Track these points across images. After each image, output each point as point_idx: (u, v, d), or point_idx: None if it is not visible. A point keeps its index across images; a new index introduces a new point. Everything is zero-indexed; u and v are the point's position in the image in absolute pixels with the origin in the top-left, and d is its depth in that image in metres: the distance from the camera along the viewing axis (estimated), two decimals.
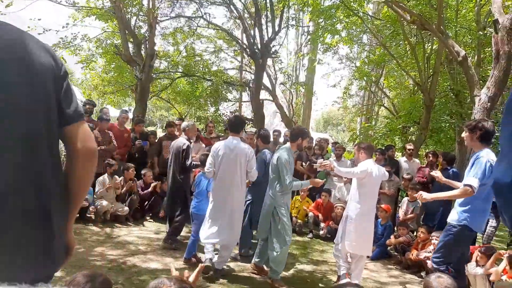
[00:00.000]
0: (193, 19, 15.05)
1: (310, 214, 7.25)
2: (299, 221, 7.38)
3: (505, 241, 7.60)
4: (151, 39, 10.62)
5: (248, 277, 4.83)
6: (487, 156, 3.70)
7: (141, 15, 13.02)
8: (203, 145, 7.73)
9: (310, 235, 7.17)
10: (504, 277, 4.33)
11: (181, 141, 5.69)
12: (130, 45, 11.69)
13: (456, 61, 7.61)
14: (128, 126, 9.53)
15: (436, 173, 4.34)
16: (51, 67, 1.38)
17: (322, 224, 7.14)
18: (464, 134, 4.01)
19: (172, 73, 15.99)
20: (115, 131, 7.49)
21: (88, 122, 7.24)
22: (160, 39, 16.87)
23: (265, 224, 4.70)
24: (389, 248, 6.36)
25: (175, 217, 5.65)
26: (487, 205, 3.91)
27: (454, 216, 3.95)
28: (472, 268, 4.69)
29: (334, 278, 5.01)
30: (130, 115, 11.88)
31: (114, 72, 16.37)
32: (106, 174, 6.66)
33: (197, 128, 9.22)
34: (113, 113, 13.29)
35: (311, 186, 5.10)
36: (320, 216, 7.20)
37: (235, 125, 4.89)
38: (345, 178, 7.12)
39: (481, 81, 8.47)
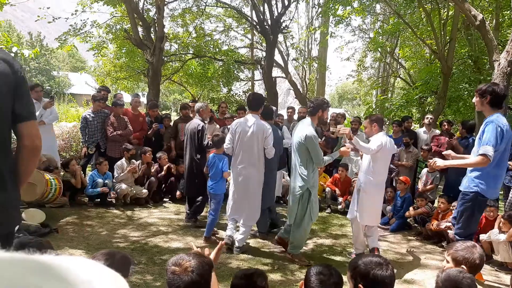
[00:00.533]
0: None
1: (327, 189, 7.23)
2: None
3: None
4: (160, 21, 10.52)
5: (268, 252, 4.88)
6: (497, 121, 3.64)
7: None
8: (217, 126, 7.73)
9: (328, 210, 7.17)
10: None
11: (196, 122, 5.74)
12: (140, 29, 11.64)
13: (474, 26, 7.33)
14: (143, 111, 9.60)
15: (449, 152, 4.19)
16: (6, 74, 1.68)
17: (340, 199, 7.12)
18: (474, 99, 3.94)
19: (182, 55, 15.90)
20: (130, 116, 7.54)
21: (103, 108, 7.34)
22: (169, 21, 16.76)
23: (295, 208, 4.50)
24: (408, 219, 6.32)
25: (195, 197, 5.78)
26: (499, 171, 3.83)
27: (466, 184, 3.90)
28: (495, 235, 4.64)
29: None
30: (143, 99, 11.93)
31: (126, 57, 16.40)
32: (124, 159, 6.75)
33: (210, 109, 9.24)
34: (127, 98, 13.39)
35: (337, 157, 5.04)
36: (338, 191, 7.18)
37: (254, 102, 4.94)
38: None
39: (500, 46, 8.16)
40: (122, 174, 6.61)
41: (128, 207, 6.56)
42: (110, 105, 7.88)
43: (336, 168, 7.59)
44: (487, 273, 4.59)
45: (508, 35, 8.48)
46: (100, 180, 6.46)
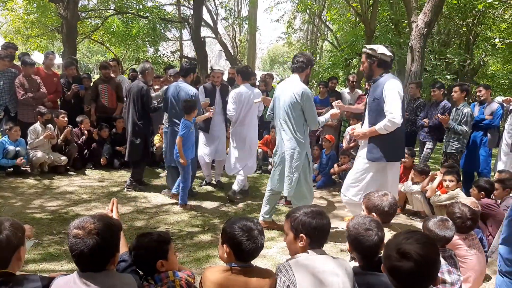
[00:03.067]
0: None
1: (259, 150, 7.27)
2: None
3: (439, 163, 8.18)
4: None
5: (198, 215, 4.84)
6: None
7: None
8: None
9: (259, 170, 7.26)
10: (438, 193, 4.66)
11: (139, 85, 5.46)
12: None
13: None
14: (58, 71, 8.78)
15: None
16: None
17: (270, 159, 7.22)
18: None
19: (102, 11, 14.68)
20: (43, 76, 6.81)
21: (10, 67, 6.57)
22: None
23: (289, 179, 4.18)
24: (333, 176, 6.60)
25: (137, 163, 5.67)
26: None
27: None
28: (408, 186, 5.00)
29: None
30: (58, 59, 10.91)
31: (37, 13, 14.77)
32: (38, 123, 6.16)
33: (134, 69, 8.71)
34: (40, 59, 12.14)
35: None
36: (269, 151, 7.26)
37: (247, 73, 5.54)
38: None
39: (418, 11, 8.57)
40: (37, 140, 6.05)
41: (45, 175, 6.07)
42: (18, 64, 7.08)
43: (267, 130, 7.64)
44: (402, 221, 4.98)
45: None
46: (11, 148, 5.86)
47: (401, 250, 1.55)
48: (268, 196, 4.41)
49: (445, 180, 4.51)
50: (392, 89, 3.78)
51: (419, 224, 4.77)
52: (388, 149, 3.92)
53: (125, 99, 5.69)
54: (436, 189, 4.70)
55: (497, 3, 9.86)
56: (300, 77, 4.14)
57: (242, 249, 1.88)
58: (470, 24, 14.95)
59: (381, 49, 3.89)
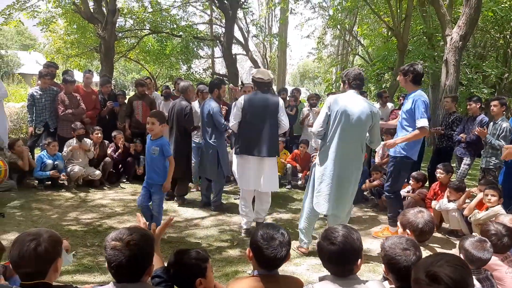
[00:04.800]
0: None
1: (289, 165, 7.24)
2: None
3: (476, 179, 7.85)
4: None
5: (227, 229, 4.83)
6: (421, 95, 4.16)
7: None
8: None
9: (289, 186, 7.20)
10: (476, 211, 4.46)
11: (182, 103, 5.64)
12: (91, 3, 11.00)
13: (427, 0, 7.44)
14: (96, 89, 9.13)
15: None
16: None
17: (300, 174, 7.17)
18: (398, 78, 4.46)
19: (138, 31, 15.25)
20: (82, 93, 7.13)
21: (51, 85, 6.89)
22: None
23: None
24: (365, 192, 6.46)
25: (179, 179, 5.76)
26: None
27: (394, 149, 4.37)
28: (444, 204, 4.81)
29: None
30: (96, 77, 11.36)
31: (77, 33, 15.53)
32: (74, 138, 6.41)
33: (167, 86, 8.96)
34: (80, 77, 12.70)
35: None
36: (298, 166, 7.22)
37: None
38: None
39: (453, 24, 8.39)
40: (67, 151, 6.28)
41: (81, 189, 6.28)
42: (60, 83, 7.43)
43: (296, 145, 7.61)
44: (439, 239, 4.78)
45: (460, 13, 8.70)
46: (49, 162, 6.12)
47: (431, 273, 1.47)
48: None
49: (487, 195, 4.32)
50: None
51: (457, 243, 4.57)
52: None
53: (170, 117, 5.78)
54: (475, 208, 4.50)
55: None
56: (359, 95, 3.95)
57: (261, 256, 1.90)
58: (508, 37, 14.45)
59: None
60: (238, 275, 3.54)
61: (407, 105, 4.23)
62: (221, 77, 5.91)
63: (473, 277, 2.51)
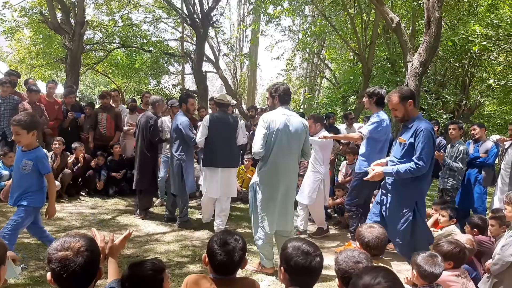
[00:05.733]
0: None
1: None
2: (243, 189, 7.36)
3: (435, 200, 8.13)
4: (80, 5, 9.84)
5: (189, 245, 4.75)
6: (377, 118, 4.57)
7: None
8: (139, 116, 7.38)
9: None
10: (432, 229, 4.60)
11: (148, 115, 5.59)
12: (58, 14, 10.79)
13: (391, 28, 7.81)
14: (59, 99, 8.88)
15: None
16: None
17: None
18: (364, 99, 4.79)
19: (107, 44, 15.07)
20: (45, 103, 6.93)
21: (12, 94, 6.66)
22: (93, 8, 15.82)
23: None
24: (329, 210, 6.54)
25: (142, 191, 5.71)
26: (381, 155, 4.53)
27: (358, 166, 4.74)
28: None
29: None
30: (60, 88, 11.07)
31: (43, 44, 15.15)
32: None
33: (134, 99, 8.85)
34: (43, 88, 12.33)
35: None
36: None
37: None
38: None
39: (414, 51, 8.83)
40: None
41: None
42: (20, 92, 7.18)
43: None
44: (396, 255, 4.88)
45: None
46: (6, 172, 5.86)
47: None
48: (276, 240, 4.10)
49: (443, 215, 4.48)
50: None
51: None
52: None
53: (136, 128, 5.80)
54: (432, 227, 4.65)
55: (491, 45, 10.15)
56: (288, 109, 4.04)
57: (215, 260, 1.94)
58: (466, 66, 15.31)
59: None
60: None
61: (369, 121, 4.69)
62: (189, 91, 5.87)
63: None
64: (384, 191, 3.82)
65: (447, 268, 2.88)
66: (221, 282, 1.96)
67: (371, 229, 2.56)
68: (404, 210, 3.58)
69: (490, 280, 3.15)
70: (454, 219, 4.50)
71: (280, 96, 3.89)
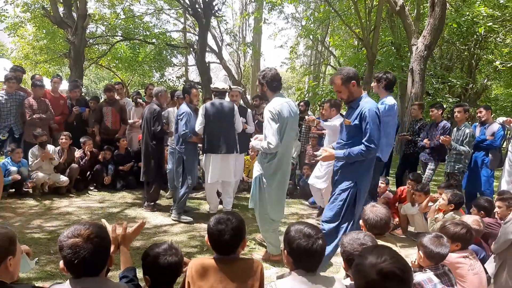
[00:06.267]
0: None
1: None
2: (250, 179, 7.38)
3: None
4: None
5: (198, 236, 4.79)
6: (389, 101, 4.44)
7: None
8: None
9: None
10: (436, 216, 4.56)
11: (152, 107, 5.63)
12: (61, 8, 10.79)
13: (394, 11, 7.71)
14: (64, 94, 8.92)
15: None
16: None
17: None
18: (372, 84, 4.75)
19: (110, 38, 15.05)
20: (50, 98, 6.96)
21: (17, 89, 6.69)
22: (95, 1, 15.78)
23: None
24: None
25: (149, 183, 5.75)
26: (389, 140, 4.59)
27: None
28: (408, 208, 4.95)
29: (283, 229, 5.09)
30: (65, 83, 11.15)
31: (46, 39, 15.17)
32: (37, 145, 6.22)
33: (138, 92, 8.85)
34: (48, 84, 12.38)
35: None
36: None
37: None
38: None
39: (419, 34, 8.71)
40: (36, 161, 6.10)
41: (46, 196, 6.09)
42: (26, 88, 7.22)
43: None
44: (404, 240, 4.89)
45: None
46: (14, 168, 5.91)
47: (383, 271, 1.43)
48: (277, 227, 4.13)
49: (443, 199, 4.41)
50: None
51: None
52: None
53: (141, 121, 5.89)
54: (437, 211, 4.62)
55: (497, 26, 9.99)
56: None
57: (214, 240, 2.07)
58: (472, 49, 15.10)
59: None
60: None
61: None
62: (192, 82, 5.81)
63: (431, 272, 2.60)
64: (334, 174, 3.72)
65: (454, 249, 2.88)
66: (222, 261, 2.06)
67: (373, 208, 2.57)
68: (341, 189, 3.48)
69: (496, 260, 3.15)
70: (453, 204, 4.36)
71: (268, 82, 3.78)
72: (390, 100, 4.48)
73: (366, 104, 3.34)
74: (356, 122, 3.34)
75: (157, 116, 5.52)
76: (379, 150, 4.31)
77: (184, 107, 5.33)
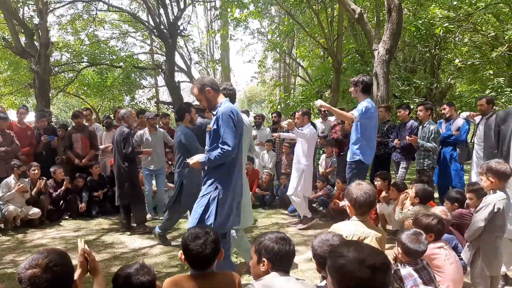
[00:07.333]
0: (90, 3, 13.98)
1: None
2: None
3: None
4: (43, 26, 9.68)
5: (177, 257, 4.72)
6: (366, 103, 4.65)
7: (29, 3, 11.82)
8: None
9: None
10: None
11: (122, 129, 5.59)
12: (22, 38, 10.62)
13: (354, 19, 7.96)
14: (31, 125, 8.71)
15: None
16: None
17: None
18: (350, 89, 4.87)
19: (76, 64, 14.85)
20: (16, 130, 6.79)
21: None
22: (58, 29, 15.59)
23: None
24: (314, 204, 6.60)
25: (128, 206, 5.68)
26: (370, 143, 4.78)
27: (350, 154, 4.84)
28: (384, 208, 5.04)
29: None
30: (32, 113, 10.90)
31: (9, 70, 14.83)
32: (12, 176, 6.03)
33: (108, 116, 8.73)
34: (14, 116, 12.05)
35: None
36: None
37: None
38: (266, 145, 7.47)
39: (379, 39, 9.01)
40: (8, 193, 5.90)
41: (19, 230, 5.88)
42: None
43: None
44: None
45: None
46: None
47: (376, 265, 1.38)
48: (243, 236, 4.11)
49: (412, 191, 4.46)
50: None
51: None
52: None
53: (113, 144, 5.79)
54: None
55: (453, 27, 10.43)
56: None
57: (188, 254, 2.03)
58: (433, 50, 15.68)
59: None
60: None
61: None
62: (188, 102, 5.60)
63: (411, 268, 2.65)
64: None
65: (429, 241, 2.94)
66: (199, 277, 2.03)
67: (359, 185, 2.53)
68: (202, 194, 3.39)
69: (470, 249, 3.24)
70: (418, 198, 4.42)
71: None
72: (366, 103, 4.64)
73: (221, 109, 3.32)
74: (215, 127, 3.32)
75: (126, 137, 5.48)
76: (360, 153, 4.65)
77: (184, 130, 4.94)
